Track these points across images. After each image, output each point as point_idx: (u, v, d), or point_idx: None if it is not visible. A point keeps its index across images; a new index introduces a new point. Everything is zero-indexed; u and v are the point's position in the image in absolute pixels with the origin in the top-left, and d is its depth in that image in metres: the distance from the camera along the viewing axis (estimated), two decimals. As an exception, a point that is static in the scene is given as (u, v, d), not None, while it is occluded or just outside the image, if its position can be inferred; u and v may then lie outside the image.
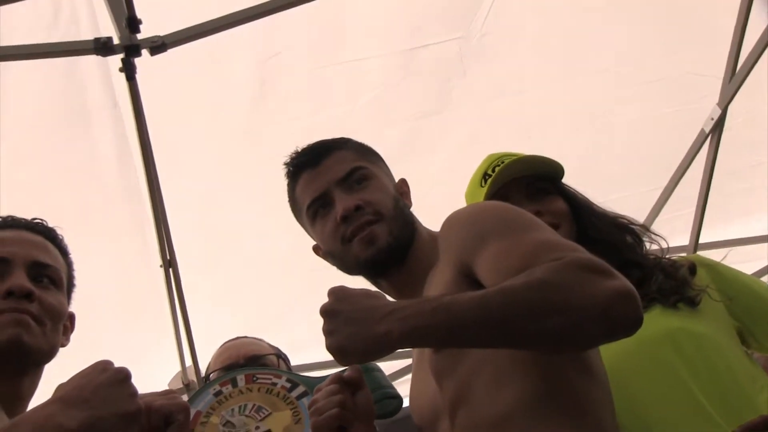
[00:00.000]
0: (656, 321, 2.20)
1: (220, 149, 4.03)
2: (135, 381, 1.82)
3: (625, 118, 4.54)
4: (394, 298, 2.16)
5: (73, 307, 2.26)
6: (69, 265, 2.23)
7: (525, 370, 1.85)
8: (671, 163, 4.74)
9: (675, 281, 2.31)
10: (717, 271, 2.42)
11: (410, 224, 2.19)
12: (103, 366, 1.76)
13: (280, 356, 2.74)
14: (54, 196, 3.77)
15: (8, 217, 2.20)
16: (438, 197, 3.84)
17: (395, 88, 4.13)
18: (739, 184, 4.91)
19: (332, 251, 2.22)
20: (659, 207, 4.88)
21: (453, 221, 2.08)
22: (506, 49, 4.15)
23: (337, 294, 1.86)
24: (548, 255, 1.78)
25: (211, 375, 2.75)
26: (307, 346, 4.23)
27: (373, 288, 2.16)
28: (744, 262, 4.56)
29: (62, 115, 3.62)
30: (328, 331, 1.82)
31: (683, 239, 4.93)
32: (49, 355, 2.07)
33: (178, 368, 4.68)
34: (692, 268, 2.37)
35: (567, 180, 2.59)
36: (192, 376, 4.61)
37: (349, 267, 2.21)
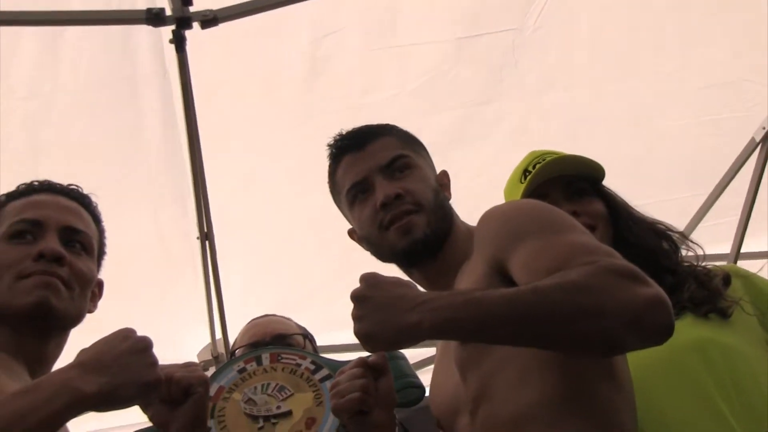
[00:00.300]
0: (686, 330, 2.16)
1: (265, 125, 4.02)
2: (166, 350, 1.83)
3: (674, 122, 4.50)
4: (424, 288, 2.17)
5: (108, 273, 2.29)
6: (101, 232, 2.26)
7: (549, 370, 1.85)
8: (718, 170, 4.69)
9: (708, 291, 2.29)
10: (752, 282, 2.39)
11: (448, 217, 2.19)
12: (125, 334, 1.79)
13: (307, 336, 2.75)
14: (98, 160, 3.79)
15: (45, 181, 2.22)
16: (481, 188, 3.93)
17: (446, 75, 4.10)
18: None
19: (368, 237, 2.23)
20: (702, 213, 4.84)
21: (489, 217, 2.07)
22: (559, 44, 4.14)
23: (369, 280, 1.86)
24: (583, 258, 1.77)
25: (236, 351, 2.75)
26: (338, 327, 4.12)
27: (405, 277, 2.14)
28: (786, 275, 4.48)
29: (113, 81, 3.63)
30: (357, 317, 1.83)
31: (725, 247, 4.88)
32: (75, 320, 2.11)
33: (209, 340, 4.71)
34: (726, 279, 2.34)
35: (610, 180, 2.57)
36: (221, 349, 4.62)
37: (383, 254, 2.22)
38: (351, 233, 2.32)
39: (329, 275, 4.29)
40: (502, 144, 4.29)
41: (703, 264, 2.42)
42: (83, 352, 1.78)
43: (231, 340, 4.36)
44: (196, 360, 4.65)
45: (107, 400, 1.71)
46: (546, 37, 4.05)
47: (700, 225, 4.87)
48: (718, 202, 4.79)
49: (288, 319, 2.82)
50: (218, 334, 4.59)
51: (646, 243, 2.41)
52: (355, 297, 1.85)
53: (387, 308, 1.80)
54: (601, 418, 1.83)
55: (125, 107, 3.74)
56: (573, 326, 1.69)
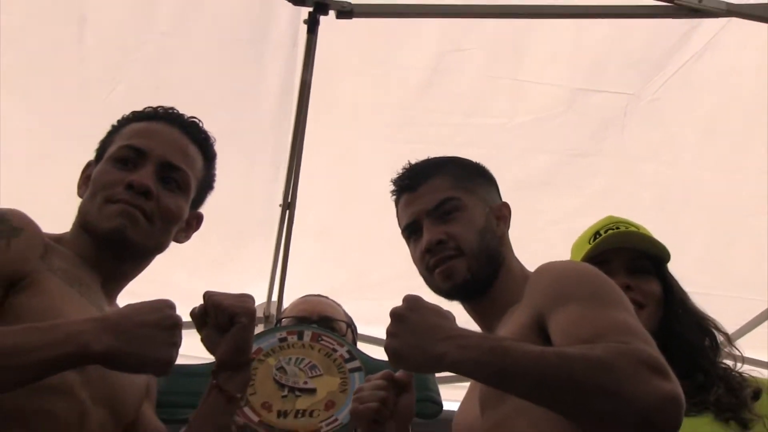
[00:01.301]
0: (703, 428, 2.22)
1: (370, 117, 4.06)
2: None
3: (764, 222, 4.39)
4: (474, 320, 2.26)
5: None
6: (208, 169, 2.25)
7: (561, 422, 1.85)
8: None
9: (735, 399, 2.30)
10: None
11: (494, 259, 2.22)
12: (159, 306, 1.80)
13: (350, 326, 2.80)
14: (212, 107, 3.62)
15: (169, 109, 2.23)
16: (555, 236, 3.93)
17: (553, 119, 4.11)
18: None
19: (421, 275, 2.28)
20: (762, 318, 4.79)
21: (545, 271, 2.10)
22: (671, 119, 4.11)
23: (411, 302, 1.91)
24: (617, 336, 1.80)
25: (283, 320, 2.81)
26: (385, 323, 4.21)
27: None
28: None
29: (246, 41, 3.72)
30: (391, 333, 1.88)
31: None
32: (154, 250, 2.14)
33: (264, 299, 4.78)
34: (757, 393, 2.36)
35: (677, 259, 2.58)
36: (273, 311, 4.71)
37: (434, 291, 2.25)
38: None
39: (392, 273, 4.22)
40: (587, 199, 4.29)
41: (740, 371, 2.43)
42: (126, 306, 1.82)
43: (283, 306, 4.48)
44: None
45: (112, 362, 1.72)
46: (660, 109, 4.02)
47: (757, 329, 4.82)
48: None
49: (338, 304, 2.84)
50: (274, 297, 4.67)
51: (689, 337, 2.43)
52: (394, 315, 1.89)
53: (419, 333, 1.84)
54: None
55: (249, 67, 3.81)
56: (586, 399, 1.71)
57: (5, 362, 1.62)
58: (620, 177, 4.30)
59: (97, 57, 3.82)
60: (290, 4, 3.21)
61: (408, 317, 1.87)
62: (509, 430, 1.96)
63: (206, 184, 2.26)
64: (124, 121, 2.21)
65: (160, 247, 2.15)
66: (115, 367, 1.74)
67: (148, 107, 2.23)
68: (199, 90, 3.81)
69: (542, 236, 3.99)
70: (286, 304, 4.40)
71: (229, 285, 4.31)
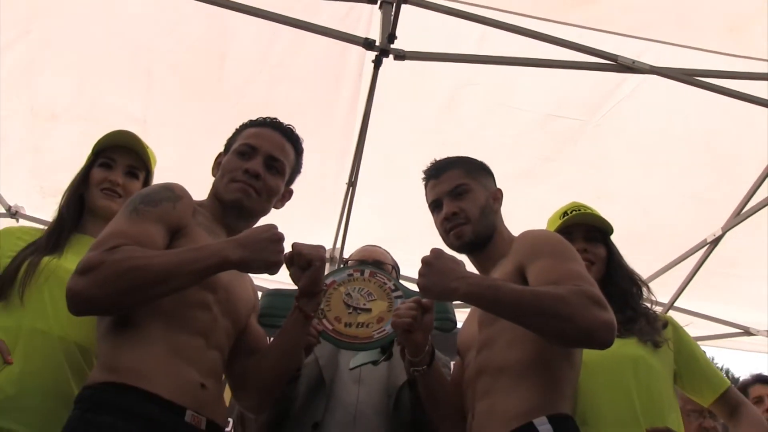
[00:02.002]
0: (629, 347, 2.28)
1: (410, 128, 4.06)
2: (301, 239, 1.98)
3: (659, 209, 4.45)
4: (475, 268, 2.28)
5: None
6: (297, 161, 2.28)
7: (528, 342, 1.93)
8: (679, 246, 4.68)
9: (652, 328, 2.35)
10: (679, 333, 2.46)
11: (490, 226, 2.25)
12: (269, 227, 1.89)
13: (395, 267, 2.77)
14: (303, 116, 3.71)
15: (273, 119, 2.26)
16: (531, 210, 3.90)
17: (530, 134, 4.09)
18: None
19: (440, 235, 2.31)
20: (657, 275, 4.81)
21: (527, 236, 2.17)
22: (607, 139, 4.06)
23: (436, 253, 1.98)
24: (573, 280, 1.86)
25: (348, 261, 2.79)
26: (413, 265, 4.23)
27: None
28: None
29: (331, 70, 3.72)
30: (421, 274, 1.94)
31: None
32: (260, 214, 2.18)
33: (330, 246, 4.79)
34: (665, 324, 2.42)
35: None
36: (336, 254, 4.74)
37: (448, 246, 2.27)
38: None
39: (419, 232, 4.14)
40: (552, 188, 4.25)
41: (653, 308, 2.50)
42: (243, 232, 1.91)
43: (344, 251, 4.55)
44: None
45: (244, 267, 1.85)
46: (602, 131, 4.01)
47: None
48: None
49: (387, 252, 2.82)
50: (338, 244, 4.68)
51: (623, 285, 2.46)
52: (424, 261, 1.97)
53: (441, 274, 1.92)
54: (551, 380, 1.92)
55: (330, 82, 3.79)
56: (549, 321, 1.79)
57: (176, 271, 1.72)
58: (574, 174, 4.25)
59: (230, 80, 3.82)
60: (359, 51, 3.23)
61: (433, 263, 1.95)
62: (496, 342, 2.02)
63: (296, 170, 2.30)
64: (243, 127, 2.27)
65: (264, 212, 2.19)
66: (245, 270, 1.89)
67: (260, 117, 2.28)
68: (295, 101, 3.80)
69: (522, 210, 3.97)
70: (346, 249, 4.57)
71: (309, 234, 4.40)
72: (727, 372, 18.25)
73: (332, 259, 4.75)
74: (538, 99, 3.91)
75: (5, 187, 4.52)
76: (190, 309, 1.86)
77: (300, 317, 2.05)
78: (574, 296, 1.79)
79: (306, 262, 2.00)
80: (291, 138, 2.25)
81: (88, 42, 3.65)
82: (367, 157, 3.92)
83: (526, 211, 4.05)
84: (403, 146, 4.08)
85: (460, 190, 2.26)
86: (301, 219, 4.28)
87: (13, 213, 4.64)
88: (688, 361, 2.41)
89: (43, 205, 4.50)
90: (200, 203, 2.10)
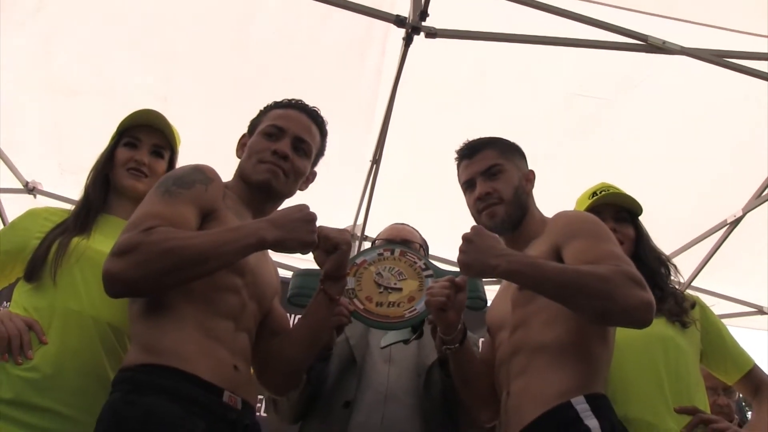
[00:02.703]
0: (658, 327, 2.26)
1: (437, 110, 4.04)
2: (325, 218, 1.97)
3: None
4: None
5: None
6: (323, 143, 2.27)
7: (565, 322, 1.94)
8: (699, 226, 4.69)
9: (680, 308, 2.37)
10: (706, 313, 2.48)
11: (523, 207, 2.25)
12: (301, 207, 1.90)
13: (422, 246, 2.77)
14: (328, 84, 3.82)
15: (298, 101, 2.24)
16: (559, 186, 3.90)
17: (559, 115, 4.09)
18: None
19: (472, 215, 2.31)
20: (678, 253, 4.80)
21: (562, 217, 2.17)
22: (628, 119, 4.07)
23: (476, 230, 1.99)
24: (611, 260, 1.88)
25: (377, 241, 2.78)
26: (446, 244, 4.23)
27: None
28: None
29: (358, 46, 3.69)
30: (462, 251, 1.95)
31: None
32: (287, 195, 2.17)
33: (351, 222, 4.78)
34: (693, 305, 2.44)
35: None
36: (358, 232, 4.74)
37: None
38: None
39: (436, 208, 4.26)
40: (574, 168, 4.22)
41: (680, 289, 2.52)
42: (275, 212, 1.93)
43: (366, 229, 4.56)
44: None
45: (279, 247, 1.86)
46: (622, 111, 4.01)
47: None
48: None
49: (416, 230, 2.82)
50: (359, 221, 4.67)
51: (652, 265, 2.45)
52: (465, 238, 1.97)
53: (482, 251, 1.93)
54: (588, 360, 1.93)
55: (357, 58, 3.76)
56: (591, 300, 1.80)
57: (213, 252, 1.74)
58: (596, 155, 4.22)
59: (254, 56, 3.80)
60: (390, 27, 3.18)
61: (474, 240, 1.96)
62: (532, 321, 2.03)
63: (321, 152, 2.28)
64: (268, 108, 2.25)
65: (291, 194, 2.19)
66: (280, 249, 1.88)
67: (285, 99, 2.25)
68: (318, 79, 3.78)
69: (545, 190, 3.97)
70: (368, 227, 4.59)
71: (330, 211, 4.41)
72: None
73: (353, 237, 4.74)
74: (563, 77, 3.89)
75: (23, 162, 4.52)
76: (220, 293, 1.86)
77: (324, 300, 2.06)
78: (615, 275, 1.80)
79: (332, 246, 2.01)
80: (317, 120, 2.23)
81: (107, 17, 3.63)
82: (391, 134, 3.89)
83: (549, 190, 4.11)
84: (427, 124, 4.06)
85: (494, 171, 2.25)
86: (322, 197, 4.29)
87: (30, 189, 4.64)
88: (715, 341, 2.43)
89: (61, 182, 4.53)
90: (226, 185, 2.09)
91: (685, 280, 4.78)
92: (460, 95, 3.95)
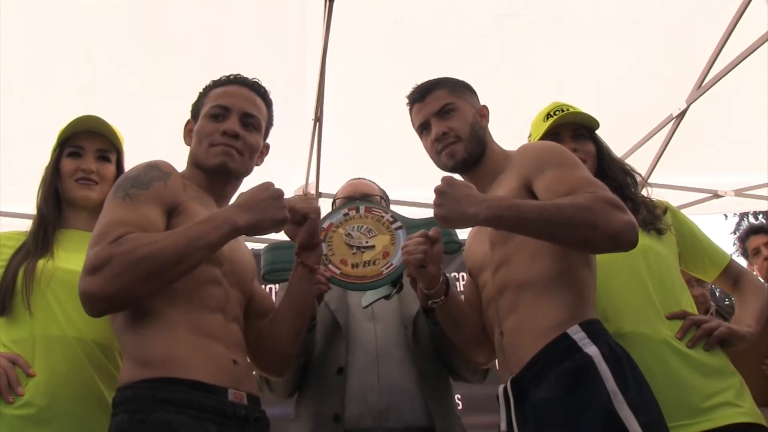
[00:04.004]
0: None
1: (369, 58, 4.02)
2: (277, 182, 1.93)
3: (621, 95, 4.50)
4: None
5: None
6: (270, 114, 2.23)
7: (550, 255, 1.95)
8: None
9: (653, 216, 2.39)
10: (677, 216, 2.51)
11: (482, 143, 2.24)
12: (267, 186, 1.89)
13: (383, 197, 2.76)
14: (257, 52, 3.78)
15: (238, 75, 2.19)
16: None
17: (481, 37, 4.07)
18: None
19: (431, 158, 2.30)
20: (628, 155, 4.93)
21: (526, 150, 2.16)
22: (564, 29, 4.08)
23: (447, 181, 1.97)
24: (587, 188, 1.89)
25: (337, 201, 2.75)
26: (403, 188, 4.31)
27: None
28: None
29: (273, 8, 3.63)
30: (438, 204, 1.94)
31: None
32: (245, 173, 2.14)
33: (302, 183, 4.78)
34: (665, 211, 2.46)
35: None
36: (312, 190, 4.71)
37: (440, 167, 2.28)
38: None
39: (385, 156, 4.27)
40: (513, 86, 4.23)
41: (648, 193, 2.52)
42: (240, 195, 1.89)
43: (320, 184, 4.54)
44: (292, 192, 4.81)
45: (253, 230, 1.82)
46: (554, 25, 4.01)
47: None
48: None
49: (373, 183, 2.81)
50: (312, 179, 4.67)
51: (618, 178, 2.46)
52: (438, 191, 1.95)
53: (457, 201, 1.91)
54: (576, 288, 1.95)
55: (276, 22, 3.73)
56: (576, 232, 1.82)
57: (189, 249, 1.71)
58: (534, 70, 4.25)
59: (171, 32, 3.73)
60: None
61: (447, 191, 1.94)
62: (514, 258, 2.03)
63: (270, 123, 2.25)
64: (207, 88, 2.20)
65: (248, 171, 2.15)
66: (255, 232, 1.84)
67: (222, 76, 2.19)
68: (242, 47, 3.75)
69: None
70: (321, 184, 4.58)
71: (282, 174, 4.37)
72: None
73: (307, 195, 4.72)
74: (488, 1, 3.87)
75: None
76: (203, 287, 1.85)
77: (305, 271, 2.06)
78: (594, 203, 1.82)
79: (301, 216, 2.02)
80: (260, 91, 2.20)
81: (15, 14, 3.48)
82: (328, 89, 3.86)
83: (496, 114, 4.14)
84: (361, 73, 4.02)
85: (447, 109, 2.24)
86: (272, 162, 4.29)
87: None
88: (690, 242, 2.47)
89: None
90: (183, 175, 2.05)
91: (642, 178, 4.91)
92: (389, 39, 3.90)
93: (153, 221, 1.80)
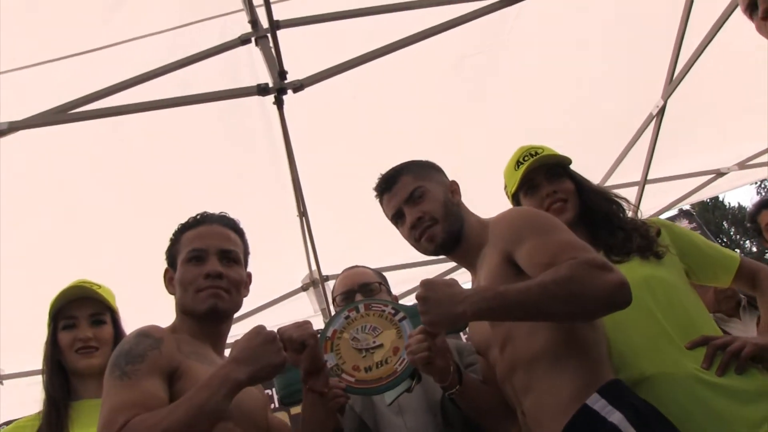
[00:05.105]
0: (636, 269, 2.23)
1: (338, 151, 4.09)
2: (283, 275, 1.96)
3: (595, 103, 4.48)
4: (459, 263, 2.30)
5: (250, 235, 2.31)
6: (245, 243, 2.26)
7: (548, 325, 1.93)
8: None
9: (647, 241, 2.33)
10: (673, 231, 2.43)
11: (459, 219, 2.24)
12: (258, 331, 1.89)
13: (381, 283, 2.73)
14: (225, 176, 3.87)
15: (204, 213, 2.23)
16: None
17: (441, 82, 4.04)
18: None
19: (412, 245, 2.30)
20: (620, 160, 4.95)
21: (503, 220, 2.14)
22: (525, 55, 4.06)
23: (426, 285, 1.95)
24: (568, 253, 1.86)
25: (336, 298, 2.74)
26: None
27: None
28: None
29: (233, 130, 3.70)
30: (423, 311, 1.93)
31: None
32: (235, 310, 2.16)
33: (307, 272, 4.86)
34: (658, 231, 2.39)
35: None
36: (316, 276, 4.80)
37: (423, 252, 2.29)
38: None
39: (371, 237, 4.23)
40: (490, 119, 4.25)
41: (638, 216, 2.52)
42: (235, 345, 1.89)
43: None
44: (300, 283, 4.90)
45: (254, 381, 1.84)
46: (512, 51, 3.98)
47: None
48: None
49: (369, 269, 2.79)
50: (313, 266, 4.71)
51: (603, 209, 2.44)
52: (420, 297, 1.94)
53: (441, 304, 1.89)
54: (585, 353, 1.91)
55: (243, 139, 3.80)
56: (565, 307, 1.79)
57: (196, 417, 1.71)
58: (504, 101, 4.23)
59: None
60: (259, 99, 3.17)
61: (429, 296, 1.92)
62: (516, 334, 2.01)
63: (247, 251, 2.27)
64: (178, 233, 2.23)
65: (238, 306, 2.18)
66: (256, 382, 1.86)
67: (189, 218, 2.24)
68: (216, 166, 3.82)
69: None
70: (323, 267, 4.66)
71: (283, 269, 4.50)
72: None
73: (314, 282, 4.84)
74: (442, 46, 3.80)
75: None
76: None
77: (313, 398, 2.07)
78: (578, 270, 1.78)
79: (299, 344, 2.02)
80: (230, 225, 2.22)
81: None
82: (306, 181, 3.90)
83: (475, 151, 4.12)
84: (333, 158, 4.09)
85: (417, 195, 2.24)
86: (269, 259, 4.31)
87: (-8, 378, 4.64)
88: (694, 254, 2.39)
89: (15, 358, 4.49)
90: (173, 328, 2.07)
91: (639, 178, 4.89)
92: (352, 119, 3.96)
93: (155, 395, 1.80)
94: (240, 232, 2.25)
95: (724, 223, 18.99)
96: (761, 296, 2.42)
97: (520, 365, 1.99)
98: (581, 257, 1.84)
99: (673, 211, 5.60)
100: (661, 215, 5.48)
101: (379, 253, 4.25)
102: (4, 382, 4.67)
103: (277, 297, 4.95)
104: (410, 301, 4.63)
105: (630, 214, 2.54)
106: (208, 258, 2.10)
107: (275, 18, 2.91)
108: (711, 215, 17.89)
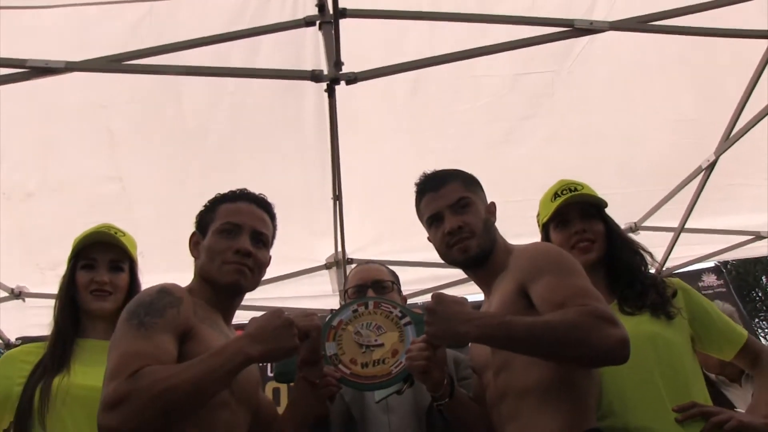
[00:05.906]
0: (644, 325, 2.28)
1: (382, 142, 4.12)
2: (308, 253, 2.00)
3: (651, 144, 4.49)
4: (476, 284, 2.31)
5: (282, 209, 2.36)
6: (275, 227, 2.30)
7: (547, 363, 1.96)
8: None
9: (662, 299, 2.35)
10: (689, 295, 2.44)
11: (492, 240, 2.26)
12: (277, 314, 1.93)
13: (394, 282, 2.77)
14: (271, 147, 3.93)
15: (245, 191, 2.27)
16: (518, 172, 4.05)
17: (503, 98, 4.08)
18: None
19: (439, 251, 2.31)
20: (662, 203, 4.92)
21: (526, 253, 2.17)
22: (582, 84, 4.05)
23: (437, 299, 1.99)
24: (580, 300, 1.88)
25: (348, 290, 2.79)
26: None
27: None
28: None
29: (282, 98, 3.73)
30: (429, 323, 1.96)
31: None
32: (252, 288, 2.20)
33: (332, 251, 4.94)
34: (675, 293, 2.40)
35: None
36: (339, 257, 4.91)
37: (449, 262, 2.30)
38: (430, 239, 2.39)
39: (396, 232, 4.44)
40: (537, 144, 4.30)
41: (658, 273, 2.50)
42: (252, 321, 1.95)
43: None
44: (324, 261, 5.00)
45: (265, 359, 1.88)
46: (575, 77, 3.98)
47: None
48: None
49: (384, 266, 2.82)
50: (339, 248, 4.81)
51: (627, 259, 2.46)
52: (428, 310, 1.99)
53: (448, 320, 1.94)
54: (575, 397, 1.97)
55: (288, 113, 3.83)
56: (566, 350, 1.83)
57: (205, 382, 1.76)
58: (556, 126, 4.26)
59: (190, 130, 3.88)
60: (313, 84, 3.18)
61: (437, 310, 1.96)
62: (514, 365, 2.05)
63: (274, 236, 2.32)
64: (216, 202, 2.27)
65: (256, 286, 2.23)
66: (267, 360, 1.91)
67: (230, 191, 2.28)
68: (258, 139, 3.87)
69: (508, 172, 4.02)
70: (349, 251, 4.79)
71: (314, 246, 4.65)
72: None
73: (337, 263, 4.94)
74: (502, 61, 3.82)
75: (4, 271, 4.63)
76: (212, 411, 1.89)
77: (305, 386, 2.14)
78: (585, 319, 1.81)
79: (303, 334, 2.05)
80: (266, 208, 2.27)
81: (44, 116, 3.68)
82: (345, 166, 3.96)
83: (516, 173, 4.18)
84: (378, 148, 4.12)
85: (462, 203, 2.26)
86: (299, 232, 4.46)
87: (17, 294, 4.82)
88: (704, 322, 2.40)
89: (44, 280, 4.63)
90: (190, 290, 2.11)
91: (677, 224, 4.87)
92: (401, 115, 3.99)
93: (168, 351, 1.84)
94: (273, 217, 2.30)
95: (764, 278, 18.53)
96: (759, 377, 2.44)
97: (511, 394, 2.05)
98: (591, 306, 1.86)
99: (705, 264, 5.52)
100: (691, 266, 5.50)
101: (399, 247, 4.40)
102: (26, 299, 4.84)
103: (299, 269, 5.03)
104: (420, 300, 4.77)
105: (653, 270, 2.55)
106: (240, 234, 2.14)
107: (341, 6, 2.94)
108: (752, 267, 17.49)
